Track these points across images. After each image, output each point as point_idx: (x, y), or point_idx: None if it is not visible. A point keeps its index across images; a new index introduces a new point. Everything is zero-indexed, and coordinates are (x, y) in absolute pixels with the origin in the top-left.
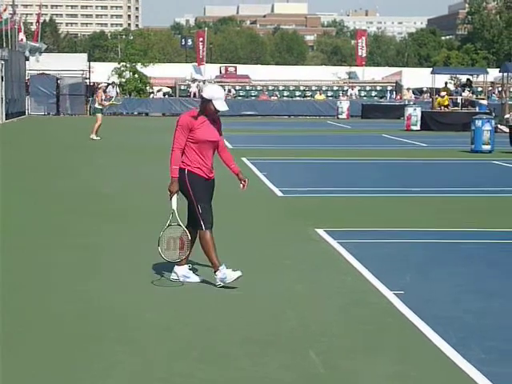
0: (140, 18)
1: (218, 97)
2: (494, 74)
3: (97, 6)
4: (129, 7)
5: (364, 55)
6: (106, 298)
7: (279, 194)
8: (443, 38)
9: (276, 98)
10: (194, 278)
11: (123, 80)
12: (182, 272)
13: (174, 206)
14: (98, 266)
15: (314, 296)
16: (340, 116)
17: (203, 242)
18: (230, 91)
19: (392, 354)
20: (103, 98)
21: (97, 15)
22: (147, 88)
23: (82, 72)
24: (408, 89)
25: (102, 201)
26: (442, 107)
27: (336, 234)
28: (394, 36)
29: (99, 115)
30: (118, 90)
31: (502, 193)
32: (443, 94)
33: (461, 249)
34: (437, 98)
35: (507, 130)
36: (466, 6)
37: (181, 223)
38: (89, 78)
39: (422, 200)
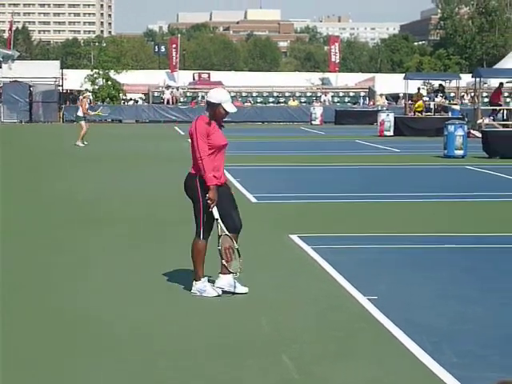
0: (113, 25)
1: (226, 99)
2: (466, 79)
3: (69, 13)
4: (101, 14)
5: (337, 61)
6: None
7: (253, 200)
8: (416, 43)
9: (249, 104)
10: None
11: (96, 87)
12: (228, 281)
13: (217, 214)
14: (75, 274)
15: (288, 302)
16: (313, 122)
17: (196, 251)
18: (203, 98)
19: (366, 359)
20: (87, 107)
21: (69, 22)
22: (120, 95)
23: (54, 79)
24: (381, 95)
25: (77, 208)
26: (416, 113)
27: (310, 240)
28: (367, 42)
29: (82, 123)
30: (92, 98)
31: (474, 198)
32: (417, 99)
33: (434, 254)
34: (413, 104)
35: (480, 135)
36: (439, 11)
37: (227, 232)
38: (62, 86)
39: (395, 205)
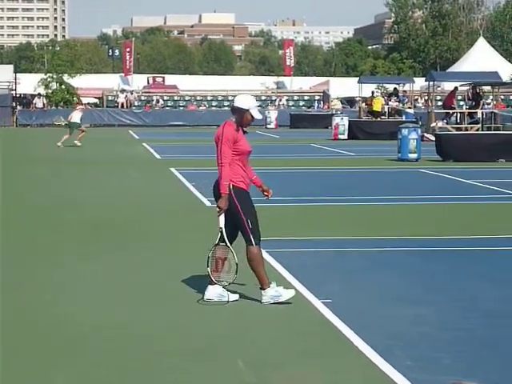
0: (67, 29)
1: (254, 105)
2: (420, 82)
3: (23, 17)
4: (55, 18)
5: (292, 65)
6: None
7: (208, 204)
8: (370, 47)
9: (204, 108)
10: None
11: (50, 91)
12: (217, 291)
13: (222, 223)
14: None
15: (243, 305)
16: (268, 126)
17: (253, 257)
18: (158, 101)
19: (320, 363)
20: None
21: (23, 26)
22: (74, 99)
23: (8, 83)
24: (337, 98)
25: (37, 213)
26: (372, 116)
27: (264, 244)
28: (322, 46)
29: (82, 127)
30: (45, 101)
31: (427, 201)
32: (371, 103)
33: (389, 256)
34: (368, 106)
35: (433, 138)
36: (392, 15)
37: (229, 244)
38: (15, 90)
39: (349, 208)
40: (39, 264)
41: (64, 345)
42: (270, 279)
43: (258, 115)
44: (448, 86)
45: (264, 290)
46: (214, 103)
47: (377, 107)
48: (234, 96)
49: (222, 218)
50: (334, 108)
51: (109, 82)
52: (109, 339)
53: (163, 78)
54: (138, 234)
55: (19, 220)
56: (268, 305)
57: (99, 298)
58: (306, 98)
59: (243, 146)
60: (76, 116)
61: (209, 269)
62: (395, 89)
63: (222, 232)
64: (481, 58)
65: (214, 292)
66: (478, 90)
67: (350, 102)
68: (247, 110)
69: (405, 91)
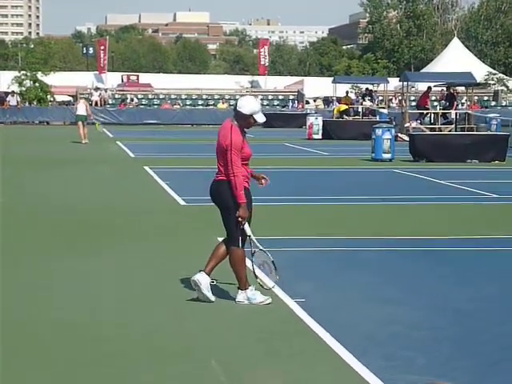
0: (41, 27)
1: (258, 110)
2: (394, 83)
3: None
4: (29, 15)
5: (266, 64)
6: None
7: (182, 202)
8: (344, 47)
9: (178, 106)
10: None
11: (23, 89)
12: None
13: (249, 231)
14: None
15: (215, 305)
16: None
17: (236, 259)
18: (132, 100)
19: (293, 362)
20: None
21: None
22: (48, 97)
23: None
24: (319, 98)
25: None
26: (344, 116)
27: None
28: (296, 45)
29: (80, 123)
30: (19, 99)
31: (400, 201)
32: (346, 103)
33: (359, 257)
34: (344, 103)
35: (407, 138)
36: (367, 15)
37: (262, 247)
38: None
39: (323, 208)
40: (9, 265)
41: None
42: (249, 282)
43: (261, 119)
44: (422, 87)
45: (242, 290)
46: (188, 102)
47: (341, 108)
48: (209, 95)
49: (247, 227)
50: (317, 108)
51: (83, 79)
52: (79, 338)
53: (137, 76)
54: (111, 234)
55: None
56: (242, 304)
57: (77, 298)
58: (280, 97)
59: (247, 151)
60: (81, 108)
61: (258, 279)
62: (367, 89)
63: (251, 239)
64: (455, 58)
65: (259, 295)
66: (452, 91)
67: (325, 101)
68: (251, 116)
69: (376, 91)
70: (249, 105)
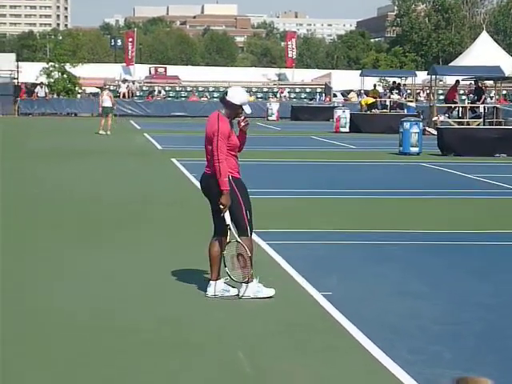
0: (69, 18)
1: (247, 101)
2: (422, 76)
3: (25, 6)
4: (58, 7)
5: (294, 57)
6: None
7: None
8: (372, 40)
9: (206, 98)
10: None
11: (52, 80)
12: (254, 288)
13: (229, 220)
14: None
15: (243, 298)
16: (270, 118)
17: (249, 248)
18: (159, 92)
19: (320, 355)
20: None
21: (25, 15)
22: (76, 88)
23: (10, 72)
24: (350, 91)
25: (35, 206)
26: (372, 110)
27: (265, 236)
28: (324, 38)
29: (109, 114)
30: (47, 91)
31: (427, 194)
32: (373, 96)
33: (385, 250)
34: (372, 97)
35: (435, 132)
36: (395, 8)
37: (239, 239)
38: (17, 78)
39: (349, 201)
40: (37, 258)
41: (58, 336)
42: (256, 274)
43: (248, 110)
44: (450, 80)
45: (248, 283)
46: (215, 94)
47: (369, 101)
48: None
49: (227, 215)
50: (351, 100)
51: (111, 71)
52: (104, 330)
53: (165, 68)
54: (137, 226)
55: (18, 214)
56: (266, 298)
57: (97, 290)
58: (307, 90)
59: (234, 140)
60: (107, 100)
61: (226, 269)
62: (394, 82)
63: (230, 229)
64: (483, 52)
65: (252, 288)
66: (480, 85)
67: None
68: (240, 106)
69: (404, 85)
70: (239, 95)
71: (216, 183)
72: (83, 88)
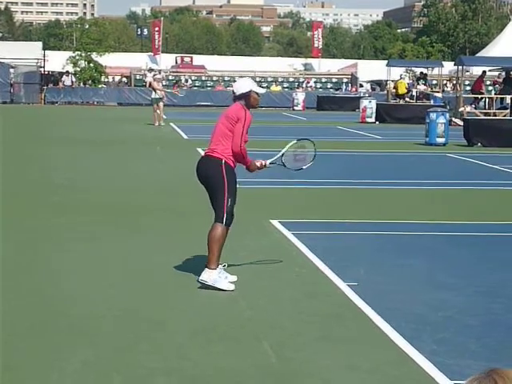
0: (95, 7)
1: (253, 83)
2: (449, 67)
3: None
4: None
5: (320, 47)
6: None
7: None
8: (399, 30)
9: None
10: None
11: (78, 69)
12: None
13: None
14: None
15: (268, 287)
16: (295, 108)
17: (217, 237)
18: (186, 81)
19: (345, 345)
20: (160, 86)
21: (52, 4)
22: (102, 77)
23: (36, 60)
24: (389, 81)
25: (60, 193)
26: (399, 99)
27: (291, 226)
28: (350, 28)
29: (161, 104)
30: (73, 79)
31: (454, 185)
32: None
33: (415, 241)
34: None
35: (461, 123)
36: None
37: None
38: (43, 67)
39: (376, 192)
40: (50, 245)
41: (73, 326)
42: (222, 262)
43: (261, 90)
44: (477, 71)
45: (210, 269)
46: None
47: (401, 90)
48: (262, 77)
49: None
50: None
51: (137, 61)
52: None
53: (191, 58)
54: (161, 215)
55: (42, 199)
56: (293, 287)
57: (112, 279)
58: (333, 80)
59: (247, 137)
60: (156, 91)
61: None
62: (421, 73)
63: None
64: (510, 43)
65: (212, 275)
66: (509, 75)
67: (379, 84)
68: (251, 91)
69: (425, 74)
70: (243, 83)
71: (215, 164)
72: (113, 77)
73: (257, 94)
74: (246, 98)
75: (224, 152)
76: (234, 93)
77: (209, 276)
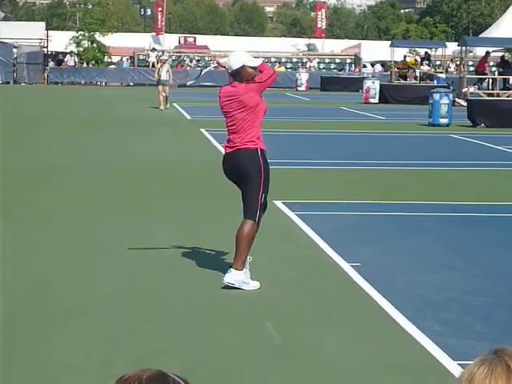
0: None
1: (245, 56)
2: (452, 47)
3: None
4: None
5: (323, 27)
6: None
7: None
8: (402, 11)
9: None
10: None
11: (81, 49)
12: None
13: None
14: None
15: (272, 268)
16: (299, 88)
17: (247, 234)
18: (190, 61)
19: (348, 325)
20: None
21: None
22: (105, 57)
23: (39, 41)
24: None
25: (63, 173)
26: (401, 79)
27: (295, 207)
28: (354, 8)
29: (167, 88)
30: (77, 60)
31: (457, 166)
32: (403, 67)
33: (417, 221)
34: (399, 71)
35: (465, 103)
36: None
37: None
38: (47, 47)
39: (379, 173)
40: (62, 226)
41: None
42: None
43: (254, 62)
44: (480, 52)
45: (236, 270)
46: None
47: (411, 62)
48: (266, 58)
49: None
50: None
51: (140, 41)
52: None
53: (194, 38)
54: (163, 196)
55: (44, 180)
56: (296, 268)
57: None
58: (337, 60)
59: (264, 105)
60: (164, 73)
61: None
62: (426, 53)
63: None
64: None
65: (239, 276)
66: (504, 59)
67: (382, 65)
68: (243, 66)
69: (429, 55)
70: (235, 59)
71: (251, 154)
72: (119, 57)
73: (251, 67)
74: (241, 73)
75: (253, 138)
76: (228, 68)
77: (236, 278)
